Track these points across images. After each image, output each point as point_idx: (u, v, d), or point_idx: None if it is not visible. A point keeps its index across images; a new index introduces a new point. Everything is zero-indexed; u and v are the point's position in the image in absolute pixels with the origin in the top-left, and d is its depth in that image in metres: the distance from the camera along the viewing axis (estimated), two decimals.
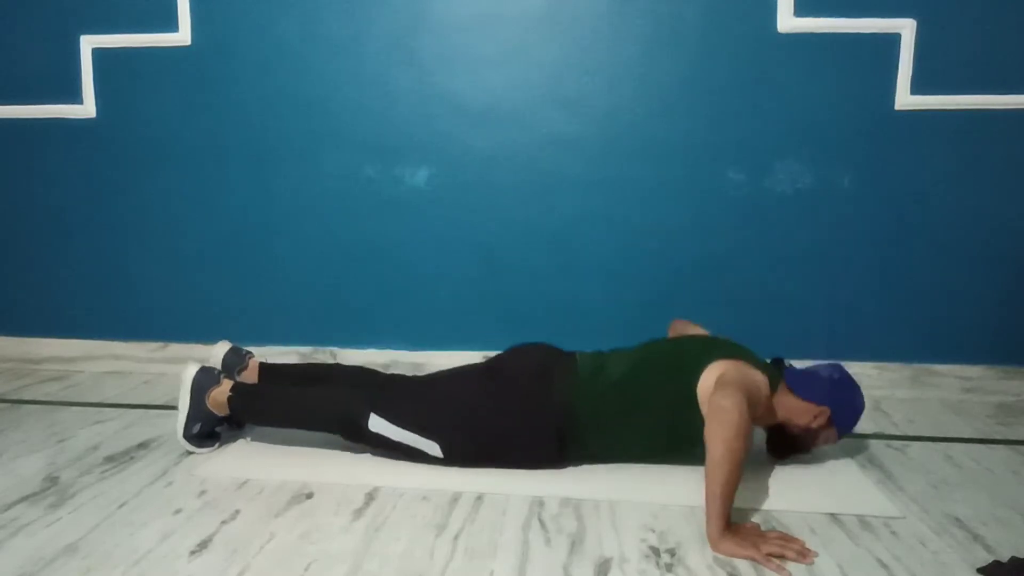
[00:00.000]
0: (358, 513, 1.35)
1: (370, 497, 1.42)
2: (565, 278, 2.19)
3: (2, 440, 1.74)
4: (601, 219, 2.16)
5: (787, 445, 1.56)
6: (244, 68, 2.21)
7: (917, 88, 2.01)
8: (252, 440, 1.74)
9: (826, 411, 1.48)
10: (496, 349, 1.73)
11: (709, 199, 2.12)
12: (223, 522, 1.31)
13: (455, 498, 1.42)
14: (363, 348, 2.28)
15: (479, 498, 1.41)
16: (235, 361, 1.84)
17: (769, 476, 1.52)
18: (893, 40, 2.00)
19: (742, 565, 1.16)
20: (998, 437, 1.80)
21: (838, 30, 2.01)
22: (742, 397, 1.29)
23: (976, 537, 1.26)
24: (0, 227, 2.39)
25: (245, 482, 1.49)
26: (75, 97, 2.27)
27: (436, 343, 2.19)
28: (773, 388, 1.49)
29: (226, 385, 1.65)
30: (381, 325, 2.27)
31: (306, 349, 2.31)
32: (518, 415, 1.51)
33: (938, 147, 2.04)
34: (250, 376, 1.82)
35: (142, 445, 1.70)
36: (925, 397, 2.12)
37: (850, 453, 1.64)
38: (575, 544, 1.24)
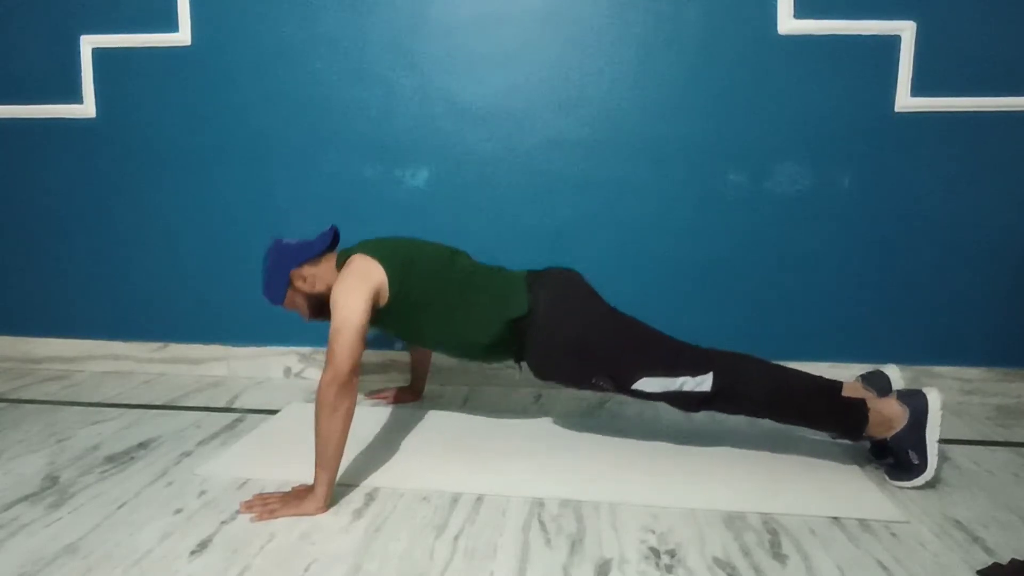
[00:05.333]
0: (358, 513, 1.35)
1: (370, 497, 1.42)
2: None
3: (2, 440, 1.74)
4: (601, 220, 2.16)
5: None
6: (244, 68, 2.21)
7: (917, 90, 2.02)
8: (252, 440, 1.74)
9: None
10: None
11: (709, 200, 2.12)
12: (223, 522, 1.31)
13: (455, 499, 1.42)
14: None
15: (479, 499, 1.41)
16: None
17: (770, 478, 1.52)
18: (893, 42, 2.01)
19: (741, 565, 1.17)
20: (998, 439, 1.80)
21: (838, 32, 2.01)
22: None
23: (976, 539, 1.27)
24: (0, 227, 2.39)
25: (245, 482, 1.49)
26: (75, 97, 2.27)
27: None
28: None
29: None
30: None
31: (306, 350, 2.31)
32: None
33: (938, 149, 2.04)
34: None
35: (142, 445, 1.70)
36: None
37: (852, 456, 1.63)
38: (575, 545, 1.24)
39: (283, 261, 1.64)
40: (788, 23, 2.02)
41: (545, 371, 1.63)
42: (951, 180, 2.05)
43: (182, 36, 2.20)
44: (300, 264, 1.63)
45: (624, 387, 1.55)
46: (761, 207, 2.11)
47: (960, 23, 1.98)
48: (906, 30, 1.99)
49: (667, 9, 2.06)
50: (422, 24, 2.14)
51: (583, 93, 2.12)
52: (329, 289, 1.57)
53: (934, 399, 1.48)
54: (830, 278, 2.12)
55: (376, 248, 1.60)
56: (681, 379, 1.52)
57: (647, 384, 1.53)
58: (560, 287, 1.63)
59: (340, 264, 1.61)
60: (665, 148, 2.12)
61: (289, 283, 1.64)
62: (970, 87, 2.00)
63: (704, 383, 1.51)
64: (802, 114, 2.06)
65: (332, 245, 1.71)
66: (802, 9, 2.01)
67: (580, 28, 2.09)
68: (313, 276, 1.62)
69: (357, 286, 1.48)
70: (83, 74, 2.26)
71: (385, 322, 1.62)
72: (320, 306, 1.64)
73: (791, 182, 2.10)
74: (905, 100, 2.02)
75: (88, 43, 2.24)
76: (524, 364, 1.66)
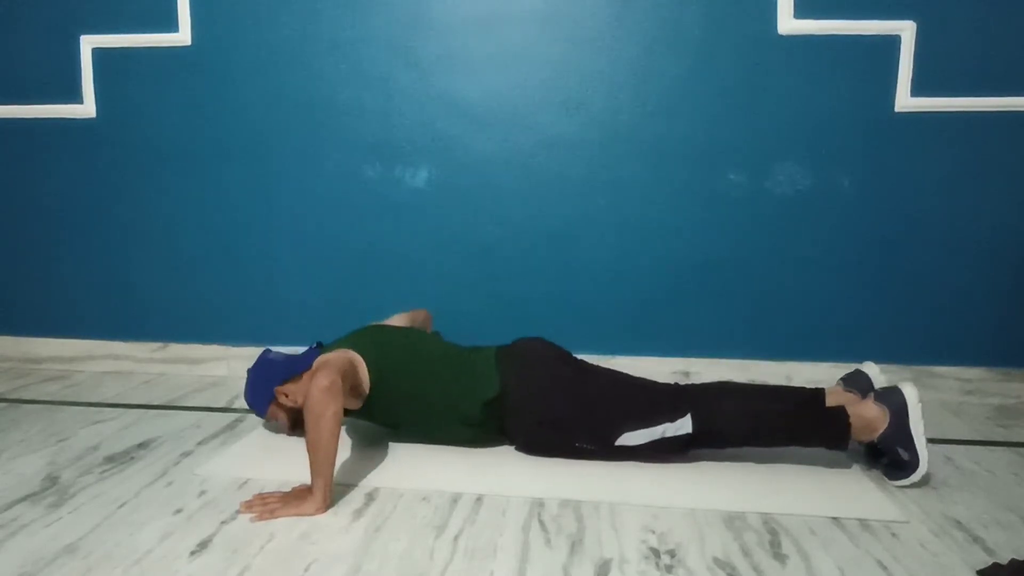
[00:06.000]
0: (358, 513, 1.35)
1: (370, 497, 1.42)
2: (565, 278, 2.19)
3: (2, 440, 1.74)
4: (601, 220, 2.16)
5: None
6: (244, 68, 2.21)
7: (917, 90, 2.02)
8: (252, 440, 1.74)
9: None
10: None
11: (709, 200, 2.12)
12: (223, 522, 1.31)
13: (455, 499, 1.41)
14: None
15: (479, 499, 1.41)
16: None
17: (770, 479, 1.52)
18: (893, 42, 2.01)
19: (741, 565, 1.17)
20: (998, 439, 1.80)
21: (838, 32, 2.01)
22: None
23: (976, 539, 1.27)
24: (0, 227, 2.39)
25: (245, 482, 1.49)
26: (75, 97, 2.27)
27: None
28: None
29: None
30: None
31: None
32: None
33: (938, 149, 2.04)
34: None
35: (142, 445, 1.70)
36: (925, 399, 2.07)
37: (852, 456, 1.63)
38: (575, 545, 1.24)
39: (268, 377, 1.68)
40: (788, 23, 2.02)
41: (528, 447, 1.66)
42: (951, 180, 2.05)
43: (182, 36, 2.20)
44: (283, 382, 1.67)
45: (608, 446, 1.57)
46: (761, 207, 2.11)
47: (960, 23, 1.98)
48: (906, 30, 1.99)
49: (667, 9, 2.06)
50: (422, 24, 2.14)
51: (583, 93, 2.12)
52: None
53: (911, 393, 1.50)
54: (830, 278, 2.12)
55: (348, 342, 1.63)
56: (662, 427, 1.53)
57: (630, 438, 1.55)
58: (527, 364, 1.64)
59: None
60: (665, 148, 2.12)
61: (272, 398, 1.68)
62: (970, 87, 2.00)
63: (684, 426, 1.52)
64: (802, 114, 2.06)
65: None
66: (802, 9, 2.01)
67: (580, 28, 2.09)
68: (295, 393, 1.65)
69: (333, 355, 1.52)
70: (83, 74, 2.26)
71: (370, 412, 1.65)
72: (301, 419, 1.65)
73: (791, 182, 2.09)
74: (905, 100, 2.02)
75: (88, 43, 2.24)
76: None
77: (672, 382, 1.65)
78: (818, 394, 1.55)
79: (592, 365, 1.69)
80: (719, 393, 1.58)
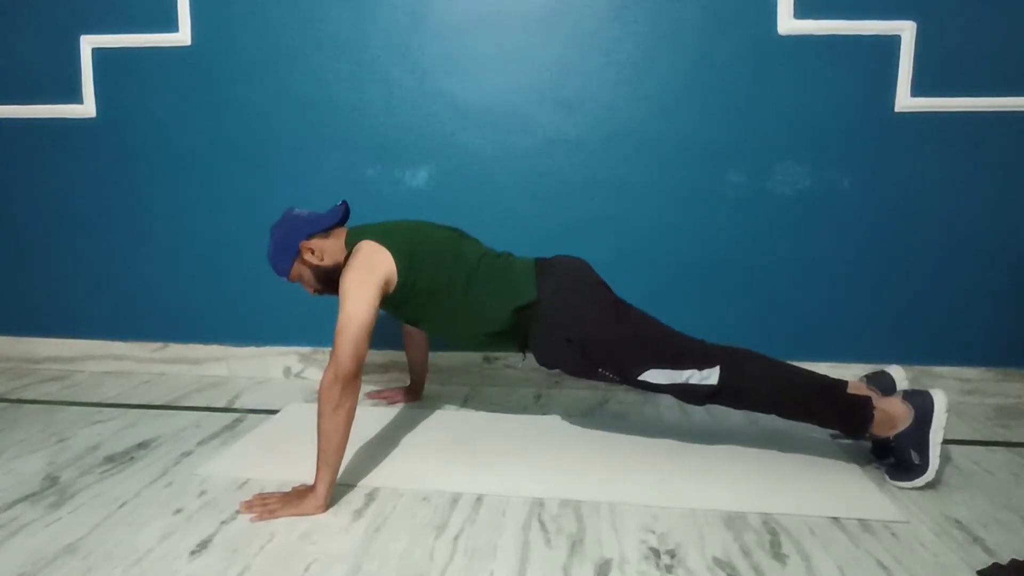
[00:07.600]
0: (358, 513, 1.35)
1: (370, 497, 1.42)
2: None
3: (2, 440, 1.74)
4: (601, 220, 2.16)
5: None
6: (244, 68, 2.21)
7: (917, 90, 2.01)
8: (252, 440, 1.74)
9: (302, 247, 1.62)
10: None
11: (709, 201, 2.12)
12: (223, 522, 1.31)
13: (455, 499, 1.42)
14: None
15: (479, 499, 1.41)
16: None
17: (770, 478, 1.52)
18: (893, 42, 2.01)
19: (742, 566, 1.17)
20: (998, 439, 1.80)
21: (838, 32, 2.01)
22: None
23: (976, 539, 1.27)
24: (0, 227, 2.39)
25: (245, 482, 1.49)
26: (75, 97, 2.27)
27: (437, 344, 2.18)
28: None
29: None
30: (381, 326, 2.26)
31: (306, 349, 2.31)
32: None
33: (938, 149, 2.04)
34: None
35: (142, 445, 1.70)
36: None
37: (852, 456, 1.64)
38: (575, 545, 1.24)
39: (293, 231, 1.62)
40: (788, 23, 2.02)
41: (549, 361, 1.63)
42: (951, 180, 2.05)
43: (182, 36, 2.20)
44: (310, 236, 1.62)
45: (630, 378, 1.55)
46: (761, 207, 2.11)
47: (960, 23, 1.98)
48: (906, 30, 1.99)
49: (667, 9, 2.06)
50: (422, 24, 2.14)
51: (583, 93, 2.12)
52: (336, 264, 1.57)
53: (940, 400, 1.49)
54: (830, 278, 2.12)
55: (386, 235, 1.57)
56: (687, 372, 1.51)
57: (653, 376, 1.53)
58: (567, 279, 1.62)
59: (349, 244, 1.59)
60: (665, 148, 2.12)
61: (297, 254, 1.62)
62: (970, 87, 2.00)
63: (710, 377, 1.51)
64: (802, 114, 2.06)
65: (343, 219, 1.70)
66: (802, 9, 2.01)
67: (580, 28, 2.09)
68: (322, 249, 1.60)
69: (366, 279, 1.46)
70: (83, 74, 2.26)
71: (389, 307, 1.62)
72: (326, 280, 1.63)
73: (791, 182, 2.09)
74: (905, 100, 2.02)
75: (88, 43, 2.24)
76: (527, 353, 1.65)
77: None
78: (842, 383, 1.54)
79: (629, 304, 1.65)
80: (750, 356, 1.57)
